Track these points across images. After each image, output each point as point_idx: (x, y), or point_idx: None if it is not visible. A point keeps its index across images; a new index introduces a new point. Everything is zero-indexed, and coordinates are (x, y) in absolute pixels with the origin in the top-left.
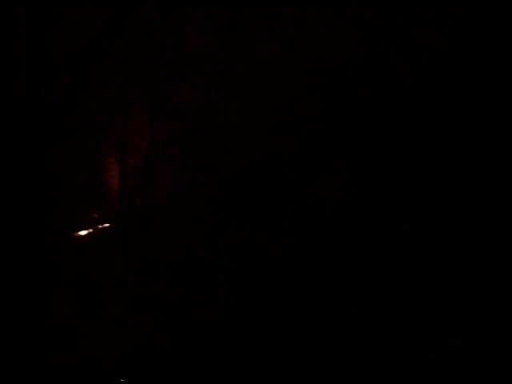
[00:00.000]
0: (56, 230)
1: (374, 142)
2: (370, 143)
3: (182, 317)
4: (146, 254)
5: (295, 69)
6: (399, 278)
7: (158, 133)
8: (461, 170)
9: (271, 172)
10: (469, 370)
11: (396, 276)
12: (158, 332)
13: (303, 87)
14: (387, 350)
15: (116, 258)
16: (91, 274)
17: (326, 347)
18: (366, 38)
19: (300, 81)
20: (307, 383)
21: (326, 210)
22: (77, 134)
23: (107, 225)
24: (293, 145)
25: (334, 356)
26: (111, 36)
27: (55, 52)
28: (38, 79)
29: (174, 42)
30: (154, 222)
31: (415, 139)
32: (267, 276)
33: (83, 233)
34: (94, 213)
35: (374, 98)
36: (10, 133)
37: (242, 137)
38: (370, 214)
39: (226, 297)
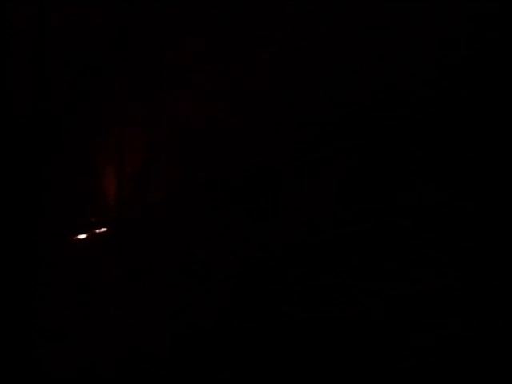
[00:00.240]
0: (56, 230)
1: (373, 141)
2: (370, 143)
3: (182, 317)
4: (145, 254)
5: (295, 69)
6: (399, 278)
7: (158, 133)
8: (461, 169)
9: (271, 172)
10: (470, 370)
11: (396, 276)
12: (157, 332)
13: (303, 87)
14: (387, 351)
15: (115, 258)
16: (91, 274)
17: (325, 347)
18: (365, 38)
19: (300, 81)
20: (307, 383)
21: (326, 209)
22: (76, 135)
23: (107, 225)
24: (293, 145)
25: (334, 356)
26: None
27: (55, 52)
28: (39, 79)
29: (174, 42)
30: (153, 222)
31: (415, 139)
32: (267, 276)
33: (83, 232)
34: (94, 213)
35: (373, 97)
36: (10, 133)
37: (241, 137)
38: (370, 214)
39: (226, 297)
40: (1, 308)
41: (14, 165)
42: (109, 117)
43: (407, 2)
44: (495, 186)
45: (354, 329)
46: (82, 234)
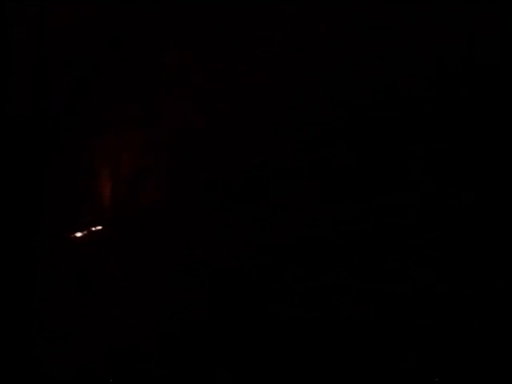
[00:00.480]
0: (55, 230)
1: (373, 141)
2: (370, 143)
3: (182, 317)
4: (145, 254)
5: (295, 69)
6: (399, 278)
7: (158, 133)
8: (461, 169)
9: (271, 172)
10: (470, 369)
11: (396, 276)
12: (157, 332)
13: (303, 87)
14: (387, 351)
15: (115, 258)
16: (91, 274)
17: (325, 347)
18: (365, 38)
19: (300, 81)
20: (307, 383)
21: (325, 209)
22: (75, 134)
23: (106, 225)
24: (293, 145)
25: (334, 356)
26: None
27: (55, 52)
28: (39, 79)
29: (174, 42)
30: (153, 222)
31: (415, 139)
32: (267, 276)
33: (82, 233)
34: (93, 213)
35: (373, 97)
36: (10, 133)
37: (241, 137)
38: (370, 214)
39: (226, 297)
40: (1, 308)
41: (13, 164)
42: (108, 117)
43: (407, 2)
44: (495, 185)
45: (353, 329)
46: (83, 230)
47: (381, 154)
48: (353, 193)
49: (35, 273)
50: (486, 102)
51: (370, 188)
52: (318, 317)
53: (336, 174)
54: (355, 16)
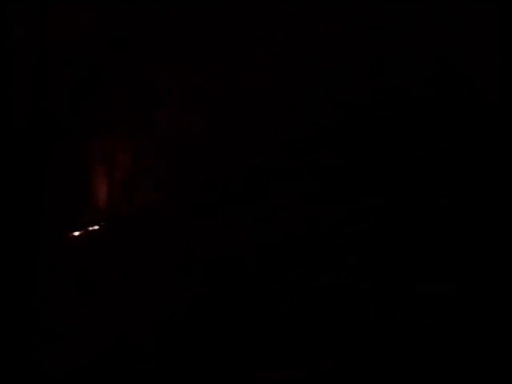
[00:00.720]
0: (55, 230)
1: (373, 141)
2: (370, 143)
3: (182, 317)
4: (144, 254)
5: (295, 69)
6: (399, 278)
7: (158, 132)
8: (461, 169)
9: (271, 172)
10: (471, 370)
11: (396, 276)
12: (157, 332)
13: (303, 87)
14: (388, 350)
15: (115, 257)
16: (90, 274)
17: (325, 347)
18: (365, 37)
19: (300, 81)
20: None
21: (325, 209)
22: (74, 135)
23: (106, 225)
24: (293, 145)
25: (334, 356)
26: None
27: (55, 52)
28: (39, 79)
29: (174, 42)
30: (153, 222)
31: (415, 139)
32: (267, 276)
33: (82, 233)
34: (93, 213)
35: (373, 97)
36: (10, 133)
37: (241, 137)
38: (370, 214)
39: (226, 297)
40: (1, 308)
41: (13, 164)
42: (108, 117)
43: (407, 2)
44: (496, 185)
45: (353, 329)
46: (83, 230)
47: (381, 154)
48: (353, 193)
49: (35, 273)
50: (486, 101)
51: (371, 188)
52: (318, 317)
53: (336, 173)
54: (355, 16)
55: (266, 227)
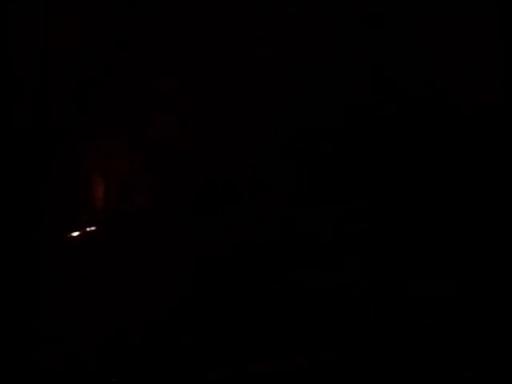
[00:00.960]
0: (55, 230)
1: (373, 141)
2: (370, 143)
3: (182, 317)
4: (144, 254)
5: (295, 69)
6: (399, 278)
7: (158, 132)
8: (461, 169)
9: (271, 172)
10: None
11: (396, 276)
12: (157, 332)
13: (303, 87)
14: (387, 350)
15: (115, 258)
16: (90, 274)
17: (325, 347)
18: (366, 37)
19: (300, 81)
20: (307, 383)
21: (325, 209)
22: (75, 135)
23: (106, 225)
24: (293, 145)
25: (334, 355)
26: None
27: (55, 52)
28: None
29: (174, 42)
30: (153, 222)
31: (415, 139)
32: (267, 276)
33: (82, 233)
34: (93, 213)
35: (373, 97)
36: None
37: (241, 137)
38: (370, 214)
39: (226, 297)
40: (1, 308)
41: (13, 165)
42: (108, 116)
43: (407, 2)
44: (496, 185)
45: (353, 329)
46: (79, 233)
47: (381, 154)
48: (353, 192)
49: (35, 273)
50: (486, 101)
51: (371, 188)
52: (318, 317)
53: (336, 173)
54: (355, 16)
55: (266, 227)
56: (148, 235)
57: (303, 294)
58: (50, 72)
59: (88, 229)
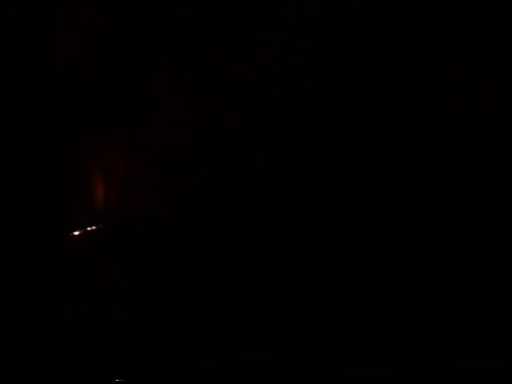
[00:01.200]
0: (55, 230)
1: (373, 141)
2: (370, 143)
3: (182, 317)
4: (144, 254)
5: (295, 69)
6: (399, 277)
7: (157, 132)
8: (461, 169)
9: (271, 172)
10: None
11: (396, 276)
12: (157, 332)
13: (303, 87)
14: (387, 350)
15: (115, 258)
16: (90, 274)
17: (325, 347)
18: (365, 37)
19: (300, 81)
20: (307, 383)
21: (325, 209)
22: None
23: (106, 225)
24: (293, 145)
25: (334, 356)
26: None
27: (59, 55)
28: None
29: (174, 42)
30: (153, 222)
31: (415, 139)
32: (267, 276)
33: (82, 233)
34: (93, 213)
35: (373, 97)
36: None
37: (241, 137)
38: (370, 214)
39: (226, 297)
40: (3, 308)
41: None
42: (108, 116)
43: (407, 2)
44: (496, 185)
45: (354, 329)
46: (79, 233)
47: (381, 154)
48: (353, 192)
49: (38, 273)
50: (486, 101)
51: (371, 187)
52: (318, 317)
53: (336, 173)
54: (355, 16)
55: (266, 227)
56: (148, 235)
57: (303, 294)
58: (54, 75)
59: (89, 228)
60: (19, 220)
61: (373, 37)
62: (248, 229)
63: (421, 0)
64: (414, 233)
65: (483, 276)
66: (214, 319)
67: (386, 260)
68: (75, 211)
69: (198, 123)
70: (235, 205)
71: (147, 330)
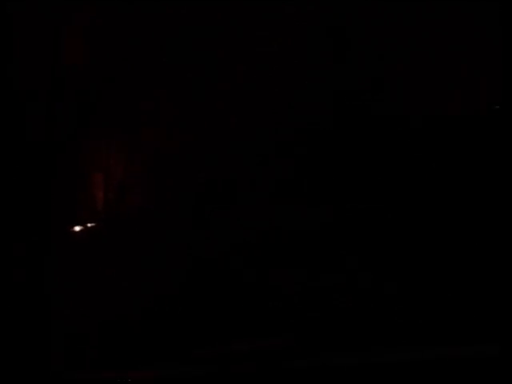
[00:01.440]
0: (56, 229)
1: (373, 141)
2: (370, 143)
3: (182, 316)
4: (144, 254)
5: (295, 69)
6: (399, 277)
7: (157, 132)
8: (461, 169)
9: (271, 172)
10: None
11: (396, 276)
12: (157, 332)
13: (303, 87)
14: (387, 350)
15: (115, 258)
16: (90, 273)
17: (325, 347)
18: (365, 37)
19: (300, 81)
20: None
21: (325, 209)
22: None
23: (106, 225)
24: (293, 145)
25: (334, 355)
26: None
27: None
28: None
29: (174, 42)
30: (153, 222)
31: (415, 139)
32: (266, 276)
33: (82, 233)
34: (93, 212)
35: (374, 98)
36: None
37: (241, 137)
38: (369, 214)
39: (226, 297)
40: (6, 308)
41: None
42: (108, 116)
43: (407, 2)
44: (496, 185)
45: (354, 329)
46: (79, 233)
47: (380, 154)
48: (353, 192)
49: (40, 273)
50: (485, 101)
51: (371, 187)
52: (318, 317)
53: (337, 173)
54: (355, 16)
55: (265, 227)
56: (148, 235)
57: (303, 294)
58: (55, 75)
59: (89, 228)
60: (19, 220)
61: (373, 37)
62: (248, 229)
63: (420, 1)
64: (414, 233)
65: (480, 267)
66: (214, 319)
67: (386, 260)
68: (75, 211)
69: (198, 123)
70: (235, 205)
71: (147, 329)
